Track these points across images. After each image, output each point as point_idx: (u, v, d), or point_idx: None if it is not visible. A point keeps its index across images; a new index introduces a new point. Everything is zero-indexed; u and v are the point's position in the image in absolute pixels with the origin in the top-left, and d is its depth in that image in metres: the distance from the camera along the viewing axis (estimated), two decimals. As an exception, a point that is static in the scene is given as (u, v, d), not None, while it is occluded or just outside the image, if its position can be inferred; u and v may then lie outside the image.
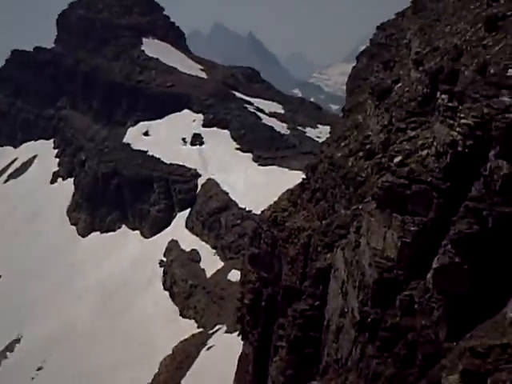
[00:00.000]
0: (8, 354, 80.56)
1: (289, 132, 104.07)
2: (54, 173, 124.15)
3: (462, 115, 18.04)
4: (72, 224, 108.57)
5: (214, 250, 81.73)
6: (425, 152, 20.00)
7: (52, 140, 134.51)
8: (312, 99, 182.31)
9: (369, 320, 20.32)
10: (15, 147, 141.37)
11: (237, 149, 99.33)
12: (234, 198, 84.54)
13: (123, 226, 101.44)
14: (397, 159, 20.62)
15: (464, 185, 18.01)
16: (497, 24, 19.50)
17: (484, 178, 17.26)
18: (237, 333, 50.36)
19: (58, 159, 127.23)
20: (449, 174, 18.51)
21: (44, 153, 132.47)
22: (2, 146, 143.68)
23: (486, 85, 17.75)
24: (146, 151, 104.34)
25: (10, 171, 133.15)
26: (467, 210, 17.37)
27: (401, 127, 22.95)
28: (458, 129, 18.16)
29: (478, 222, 17.08)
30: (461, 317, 17.31)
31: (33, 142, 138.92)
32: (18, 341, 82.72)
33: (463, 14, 22.62)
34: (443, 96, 19.81)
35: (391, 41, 32.61)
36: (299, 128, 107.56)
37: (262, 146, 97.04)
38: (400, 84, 25.72)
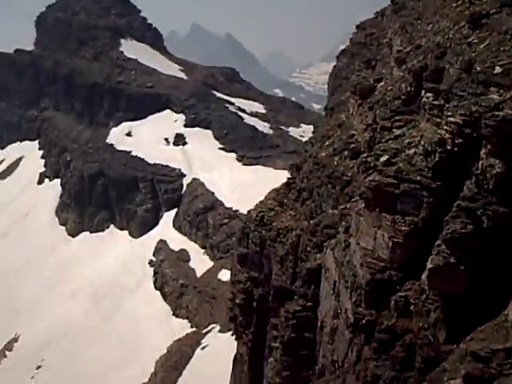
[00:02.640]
0: (7, 353, 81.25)
1: (271, 132, 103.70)
2: (41, 174, 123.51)
3: (450, 113, 17.81)
4: (61, 224, 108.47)
5: (203, 250, 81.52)
6: (412, 151, 19.72)
7: (37, 141, 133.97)
8: (293, 98, 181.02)
9: (363, 321, 20.00)
10: (2, 148, 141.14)
11: (220, 148, 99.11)
12: (219, 198, 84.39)
13: (111, 225, 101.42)
14: (383, 158, 20.28)
15: (455, 184, 17.78)
16: (481, 22, 19.28)
17: (476, 177, 17.01)
18: (230, 332, 50.26)
19: (43, 160, 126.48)
20: (438, 173, 18.27)
21: (30, 154, 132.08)
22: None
23: (473, 82, 17.55)
24: (130, 152, 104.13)
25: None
26: (460, 210, 17.08)
27: (386, 126, 22.65)
28: (445, 127, 17.92)
29: (472, 222, 16.81)
30: (459, 318, 17.03)
31: (18, 143, 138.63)
32: (15, 340, 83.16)
33: (445, 13, 22.36)
34: (428, 94, 19.58)
35: (372, 40, 32.35)
36: (282, 127, 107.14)
37: (245, 146, 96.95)
38: (383, 83, 25.50)
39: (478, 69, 17.61)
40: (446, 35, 20.80)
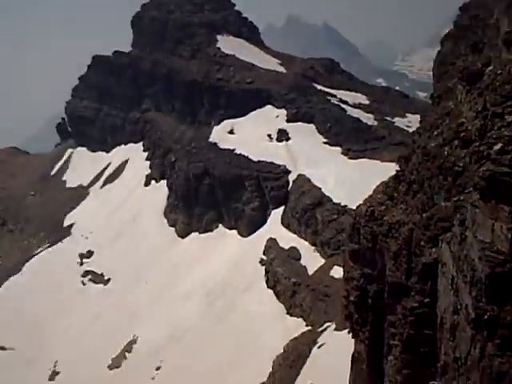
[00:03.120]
0: (127, 354, 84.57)
1: (376, 123, 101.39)
2: (147, 175, 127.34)
3: None
4: (170, 226, 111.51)
5: (313, 247, 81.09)
6: (528, 138, 18.89)
7: (141, 143, 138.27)
8: (397, 87, 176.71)
9: (485, 317, 19.35)
10: (107, 152, 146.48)
11: (324, 143, 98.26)
12: (327, 193, 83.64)
13: (220, 225, 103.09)
14: (497, 147, 19.45)
15: None
16: None
17: None
18: (346, 330, 49.86)
19: (148, 162, 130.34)
20: (557, 159, 17.43)
21: (135, 156, 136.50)
22: (95, 152, 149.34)
23: None
24: (234, 150, 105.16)
25: (105, 176, 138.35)
26: None
27: (497, 112, 21.72)
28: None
29: None
30: None
31: (123, 145, 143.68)
32: (134, 342, 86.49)
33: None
34: (542, 77, 18.66)
35: (477, 22, 31.05)
36: (387, 118, 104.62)
37: (350, 139, 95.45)
38: (491, 67, 24.44)
39: None
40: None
